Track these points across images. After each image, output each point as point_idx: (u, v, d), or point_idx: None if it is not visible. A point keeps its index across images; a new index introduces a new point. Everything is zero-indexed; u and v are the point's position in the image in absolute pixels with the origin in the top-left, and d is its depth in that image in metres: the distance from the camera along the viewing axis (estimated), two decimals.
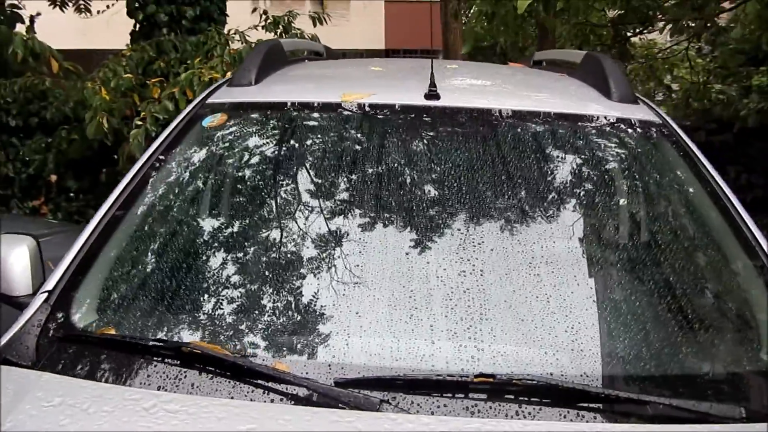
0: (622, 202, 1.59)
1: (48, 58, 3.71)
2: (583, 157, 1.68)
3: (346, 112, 1.78)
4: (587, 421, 1.09)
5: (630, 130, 1.77)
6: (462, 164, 1.64)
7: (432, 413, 1.09)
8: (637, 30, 8.98)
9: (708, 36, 9.12)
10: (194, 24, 5.08)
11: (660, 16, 8.25)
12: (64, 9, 5.98)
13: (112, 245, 1.49)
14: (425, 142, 1.72)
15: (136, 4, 5.09)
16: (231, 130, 1.80)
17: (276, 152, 1.74)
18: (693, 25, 7.34)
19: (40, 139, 5.05)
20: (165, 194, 1.62)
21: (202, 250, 1.50)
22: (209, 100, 1.92)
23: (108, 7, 5.84)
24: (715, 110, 7.42)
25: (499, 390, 1.12)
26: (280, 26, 5.13)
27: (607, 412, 1.11)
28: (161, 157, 1.70)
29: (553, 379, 1.14)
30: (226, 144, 1.77)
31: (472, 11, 3.89)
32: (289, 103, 1.84)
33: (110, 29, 7.74)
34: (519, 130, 1.73)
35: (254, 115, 1.84)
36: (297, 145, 1.75)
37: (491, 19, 3.98)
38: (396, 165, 1.66)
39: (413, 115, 1.77)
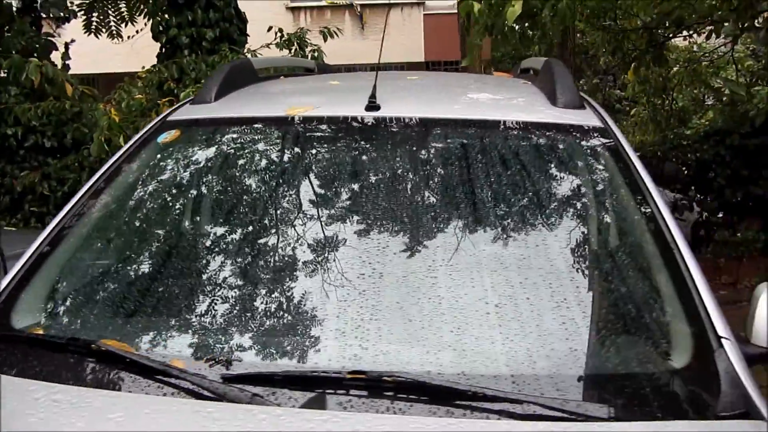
0: (538, 204, 1.61)
1: (62, 82, 3.98)
2: (510, 161, 1.71)
3: (287, 125, 1.87)
4: (456, 418, 1.13)
5: (566, 135, 1.79)
6: (390, 171, 1.70)
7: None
8: (672, 34, 8.80)
9: (757, 37, 8.82)
10: (214, 45, 5.31)
11: (696, 19, 8.05)
12: (98, 36, 6.35)
13: (58, 253, 1.62)
14: (361, 151, 1.79)
15: (160, 28, 5.36)
16: (182, 145, 1.91)
17: (220, 165, 1.84)
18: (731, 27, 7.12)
19: (73, 158, 5.36)
20: (111, 206, 1.74)
21: (130, 258, 1.61)
22: (169, 118, 2.04)
23: (137, 32, 6.17)
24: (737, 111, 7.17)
25: (371, 386, 1.17)
26: (295, 43, 5.30)
27: (476, 410, 1.14)
28: (114, 171, 1.83)
29: (423, 376, 1.18)
30: (176, 158, 1.87)
31: (474, 26, 3.96)
32: (237, 118, 1.94)
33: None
34: (453, 136, 1.77)
35: (205, 131, 1.94)
36: (240, 157, 1.85)
37: (491, 31, 4.02)
38: (325, 173, 1.73)
39: (351, 126, 1.84)
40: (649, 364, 1.27)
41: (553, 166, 1.70)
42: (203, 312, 1.41)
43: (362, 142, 1.81)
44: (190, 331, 1.37)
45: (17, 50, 5.04)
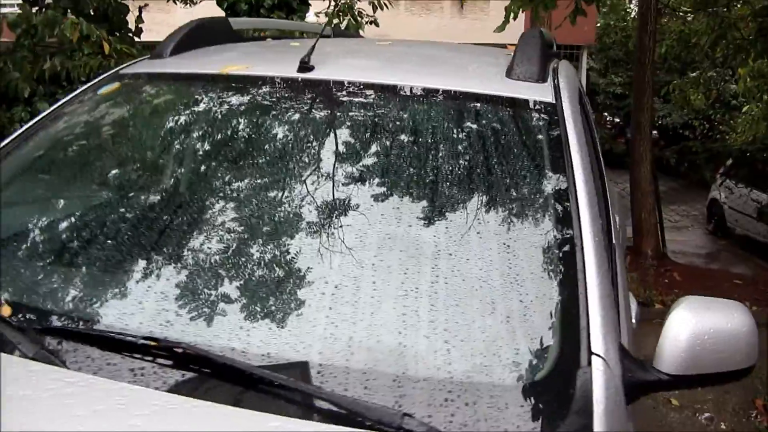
0: (438, 181, 1.43)
1: (98, 39, 4.11)
2: (425, 132, 1.55)
3: (218, 83, 1.80)
4: (235, 403, 1.02)
5: (498, 108, 1.60)
6: (301, 135, 1.59)
7: (98, 369, 1.08)
8: None
9: None
10: (271, 12, 5.33)
11: None
12: (176, 2, 6.57)
13: None
14: (279, 111, 1.69)
15: None
16: (119, 97, 1.89)
17: (144, 118, 1.80)
18: None
19: None
20: (28, 150, 1.74)
21: (24, 201, 1.60)
22: (123, 71, 2.03)
23: None
24: None
25: (162, 355, 1.09)
26: (348, 13, 5.21)
27: (262, 392, 1.03)
28: (48, 117, 1.84)
29: (208, 352, 1.07)
30: (106, 110, 1.86)
31: None
32: (172, 74, 1.89)
33: None
34: (380, 102, 1.64)
35: (143, 84, 1.91)
36: (164, 112, 1.80)
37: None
38: (236, 132, 1.65)
39: (278, 86, 1.75)
40: (490, 372, 1.09)
41: (471, 140, 1.52)
42: (56, 264, 1.38)
43: (284, 103, 1.71)
44: (34, 284, 1.34)
45: (88, 12, 5.28)
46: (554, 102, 1.61)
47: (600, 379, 1.06)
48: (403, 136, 1.54)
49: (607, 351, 1.11)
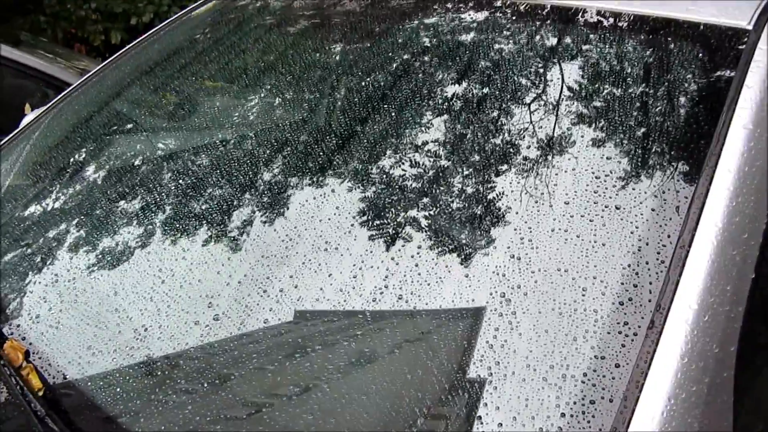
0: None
1: None
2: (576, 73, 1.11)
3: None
4: None
5: (654, 37, 1.08)
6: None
7: None
8: None
9: None
10: None
11: None
12: None
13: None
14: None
15: None
16: (208, 17, 1.71)
17: (223, 37, 1.58)
18: None
19: None
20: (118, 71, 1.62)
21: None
22: None
23: None
24: None
25: None
26: None
27: None
28: (146, 40, 1.71)
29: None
30: (189, 31, 1.68)
31: None
32: None
33: None
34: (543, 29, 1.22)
35: (238, 3, 1.70)
36: (248, 33, 1.57)
37: None
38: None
39: None
40: None
41: (615, 87, 1.05)
42: None
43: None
44: None
45: None
46: (749, 29, 1.02)
47: None
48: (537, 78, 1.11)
49: None
